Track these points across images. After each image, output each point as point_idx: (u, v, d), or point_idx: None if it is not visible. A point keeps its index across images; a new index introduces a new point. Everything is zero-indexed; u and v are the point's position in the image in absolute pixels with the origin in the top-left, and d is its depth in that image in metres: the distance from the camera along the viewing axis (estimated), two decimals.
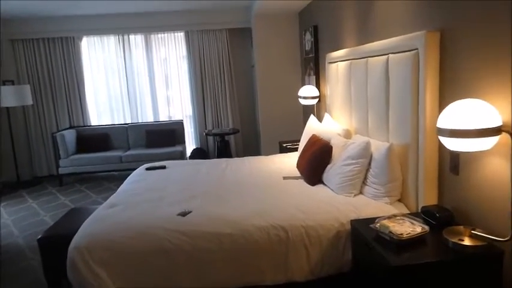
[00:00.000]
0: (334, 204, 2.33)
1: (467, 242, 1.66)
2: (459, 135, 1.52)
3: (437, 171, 2.10)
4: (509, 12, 1.51)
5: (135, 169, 3.75)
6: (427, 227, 1.80)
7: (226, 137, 5.81)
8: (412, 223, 1.87)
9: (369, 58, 2.70)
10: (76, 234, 2.17)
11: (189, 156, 5.99)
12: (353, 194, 2.46)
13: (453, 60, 1.89)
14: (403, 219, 1.92)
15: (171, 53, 6.15)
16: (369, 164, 2.46)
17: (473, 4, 1.71)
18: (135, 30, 5.86)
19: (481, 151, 1.57)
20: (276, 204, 2.39)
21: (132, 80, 6.11)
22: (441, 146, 2.06)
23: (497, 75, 1.60)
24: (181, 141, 5.91)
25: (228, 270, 2.09)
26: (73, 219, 2.67)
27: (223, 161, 3.72)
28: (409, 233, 1.76)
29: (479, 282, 1.64)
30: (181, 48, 6.12)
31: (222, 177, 3.10)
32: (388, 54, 2.39)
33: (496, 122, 1.51)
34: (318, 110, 4.47)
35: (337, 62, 3.45)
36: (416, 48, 2.05)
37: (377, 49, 2.54)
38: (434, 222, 1.90)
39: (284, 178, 2.97)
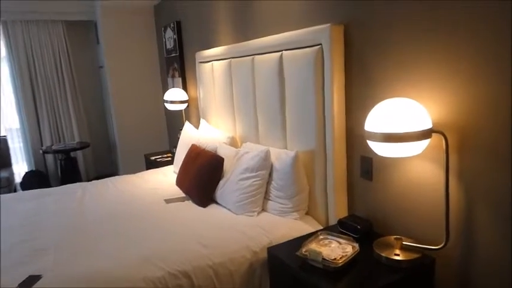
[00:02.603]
0: (239, 228, 1.94)
1: (402, 256, 1.51)
2: (395, 139, 1.33)
3: (346, 178, 1.94)
4: (421, 11, 1.41)
5: None
6: (356, 245, 1.58)
7: (72, 154, 4.72)
8: (339, 242, 1.63)
9: (255, 56, 2.40)
10: None
11: (21, 183, 4.63)
12: (256, 213, 2.11)
13: (361, 56, 1.73)
14: (328, 239, 1.67)
15: None
16: (269, 175, 2.16)
17: None
18: None
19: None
20: (168, 240, 1.84)
21: None
22: (349, 150, 1.91)
23: (421, 71, 1.48)
24: (7, 164, 4.53)
25: None
26: None
27: (77, 186, 2.86)
28: (342, 256, 1.51)
29: None
30: None
31: (81, 212, 2.30)
32: (281, 51, 2.13)
33: (428, 122, 1.38)
34: (188, 115, 4.00)
35: (212, 61, 3.07)
36: (320, 44, 1.84)
37: (267, 46, 2.25)
38: (355, 236, 1.72)
39: (167, 201, 2.41)
